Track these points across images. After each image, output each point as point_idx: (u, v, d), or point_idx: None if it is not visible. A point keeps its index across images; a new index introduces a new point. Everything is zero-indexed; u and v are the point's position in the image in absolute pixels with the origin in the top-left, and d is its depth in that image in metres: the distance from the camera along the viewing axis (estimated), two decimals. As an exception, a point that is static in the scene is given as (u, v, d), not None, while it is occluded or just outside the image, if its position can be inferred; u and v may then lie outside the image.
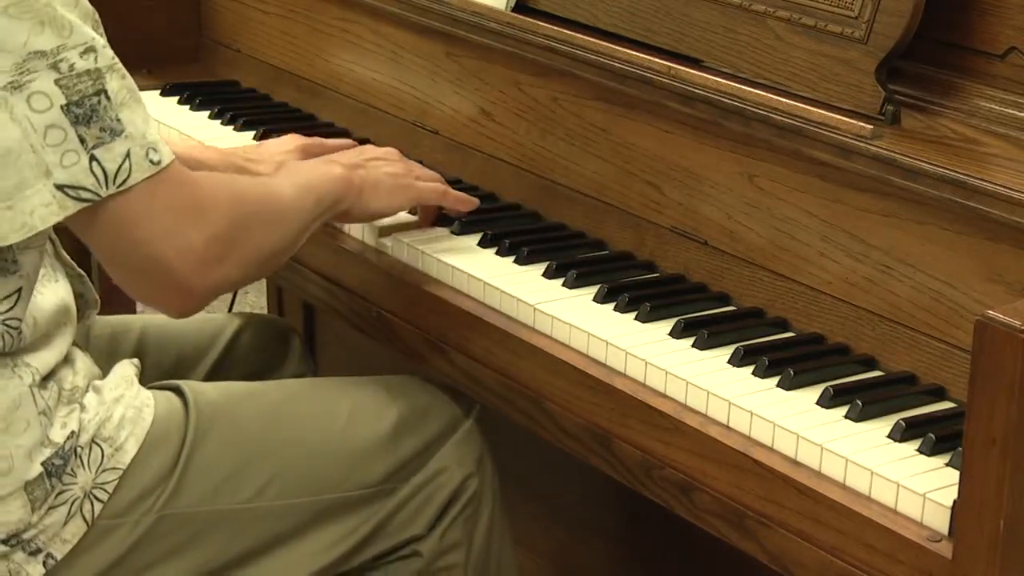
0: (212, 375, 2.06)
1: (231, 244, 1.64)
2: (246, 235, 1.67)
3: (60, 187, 1.54)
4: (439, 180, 2.00)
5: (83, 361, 1.74)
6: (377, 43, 2.33)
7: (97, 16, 1.60)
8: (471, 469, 1.87)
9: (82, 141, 1.53)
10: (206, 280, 1.63)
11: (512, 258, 1.94)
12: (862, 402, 1.60)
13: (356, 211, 1.89)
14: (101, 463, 1.68)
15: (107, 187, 1.55)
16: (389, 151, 1.99)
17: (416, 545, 1.85)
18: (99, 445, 1.68)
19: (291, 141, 2.10)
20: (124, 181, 1.55)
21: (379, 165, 1.93)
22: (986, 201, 1.58)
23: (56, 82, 1.52)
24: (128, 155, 1.55)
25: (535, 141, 2.09)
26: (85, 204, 1.55)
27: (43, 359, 1.67)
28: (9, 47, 1.51)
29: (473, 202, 2.02)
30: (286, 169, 1.85)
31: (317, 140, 2.11)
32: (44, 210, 1.54)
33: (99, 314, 1.90)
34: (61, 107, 1.53)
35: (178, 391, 1.79)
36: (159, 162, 1.57)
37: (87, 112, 1.54)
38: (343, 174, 1.86)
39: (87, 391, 1.71)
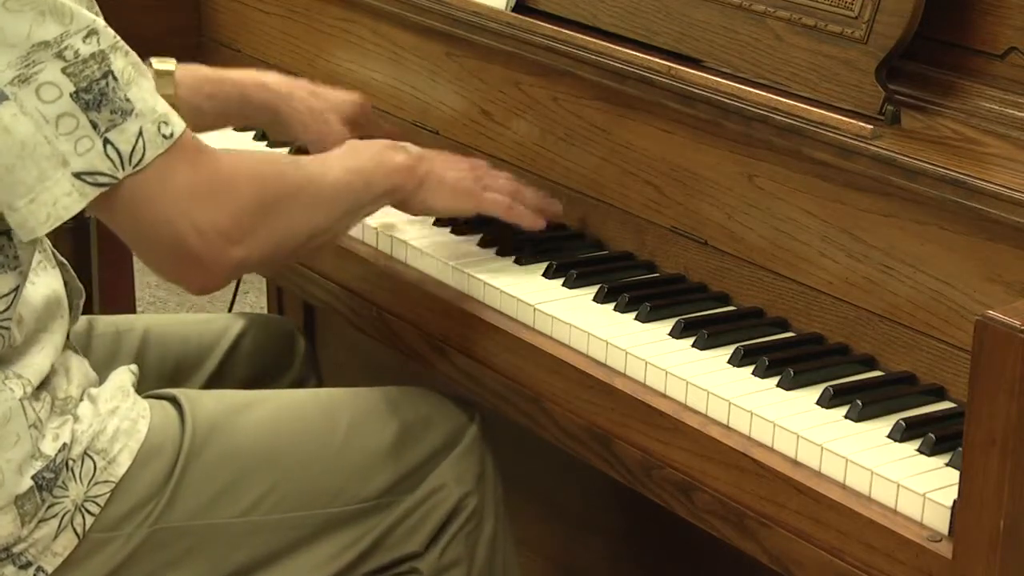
0: (216, 376, 2.05)
1: (255, 222, 1.62)
2: (272, 215, 1.64)
3: (78, 175, 1.52)
4: (512, 191, 1.93)
5: (78, 368, 1.72)
6: (377, 43, 2.33)
7: None
8: (469, 487, 1.83)
9: (94, 126, 1.52)
10: (226, 257, 1.60)
11: (512, 258, 1.94)
12: (862, 402, 1.60)
13: (413, 203, 1.86)
14: (93, 476, 1.65)
15: (123, 168, 1.54)
16: (466, 159, 1.94)
17: (414, 563, 1.82)
18: (91, 458, 1.66)
19: (349, 94, 2.15)
20: (140, 160, 1.54)
21: (447, 167, 1.89)
22: (986, 201, 1.58)
23: (63, 70, 1.51)
24: (140, 133, 1.54)
25: (535, 141, 2.09)
26: (103, 188, 1.54)
27: (35, 367, 1.65)
28: (12, 41, 1.50)
29: (539, 222, 1.94)
30: (346, 149, 1.82)
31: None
32: (67, 199, 1.53)
33: (101, 313, 1.89)
34: (71, 95, 1.51)
35: (175, 401, 1.77)
36: (171, 135, 1.56)
37: (96, 96, 1.52)
38: (406, 162, 1.83)
39: (81, 400, 1.69)
